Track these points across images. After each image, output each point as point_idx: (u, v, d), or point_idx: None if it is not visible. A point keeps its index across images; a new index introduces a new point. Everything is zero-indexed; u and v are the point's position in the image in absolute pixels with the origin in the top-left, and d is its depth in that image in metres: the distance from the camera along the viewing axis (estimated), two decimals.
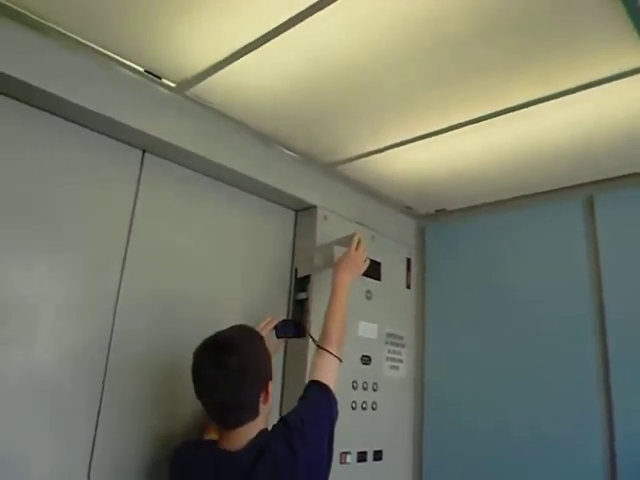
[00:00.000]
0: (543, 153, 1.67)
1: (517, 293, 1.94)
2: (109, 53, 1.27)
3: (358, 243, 1.64)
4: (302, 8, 1.07)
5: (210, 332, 1.21)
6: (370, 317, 1.98)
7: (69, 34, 1.20)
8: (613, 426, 1.61)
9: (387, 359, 2.05)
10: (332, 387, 1.31)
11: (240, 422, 1.15)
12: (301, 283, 1.84)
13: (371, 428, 1.91)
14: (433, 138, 1.61)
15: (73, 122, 1.35)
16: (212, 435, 1.32)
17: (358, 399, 1.87)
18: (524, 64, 1.23)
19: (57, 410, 1.24)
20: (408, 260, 2.27)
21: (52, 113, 1.31)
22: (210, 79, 1.35)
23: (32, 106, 1.28)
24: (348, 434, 1.71)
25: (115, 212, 1.42)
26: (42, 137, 1.30)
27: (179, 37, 1.20)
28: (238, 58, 1.25)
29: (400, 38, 1.16)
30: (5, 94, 1.23)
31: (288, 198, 1.85)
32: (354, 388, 1.86)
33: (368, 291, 1.99)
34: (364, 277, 1.89)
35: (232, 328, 1.25)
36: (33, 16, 1.14)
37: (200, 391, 1.17)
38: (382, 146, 1.69)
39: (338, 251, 1.65)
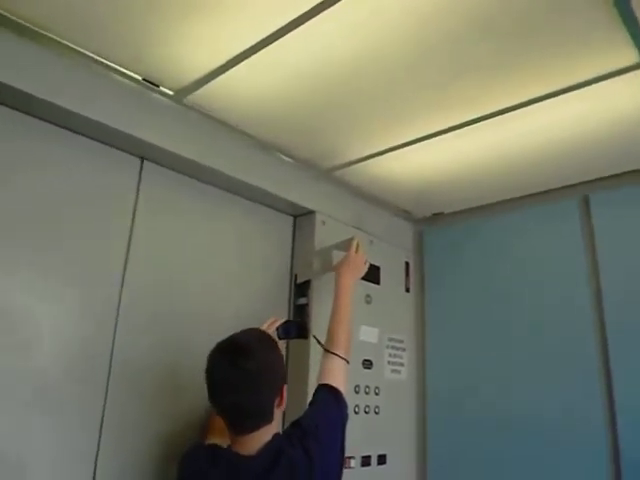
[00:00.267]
0: (538, 154, 1.69)
1: (516, 294, 1.95)
2: (107, 62, 1.28)
3: (357, 246, 1.65)
4: (298, 14, 1.09)
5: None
6: (370, 321, 1.98)
7: (66, 43, 1.21)
8: (616, 427, 1.62)
9: (388, 363, 2.05)
10: (343, 390, 1.30)
11: (256, 426, 1.13)
12: (301, 288, 1.85)
13: (374, 432, 1.91)
14: (429, 141, 1.62)
15: (70, 130, 1.36)
16: (215, 438, 1.31)
17: (361, 403, 1.86)
18: (516, 64, 1.25)
19: (61, 417, 1.23)
20: (407, 264, 2.28)
21: (49, 122, 1.31)
22: (208, 86, 1.36)
23: (29, 115, 1.28)
24: (352, 438, 1.67)
25: (114, 220, 1.42)
26: (38, 146, 1.30)
27: (176, 45, 1.21)
28: (235, 65, 1.26)
29: (395, 42, 1.17)
30: (3, 104, 1.23)
31: (286, 204, 1.86)
32: (356, 392, 1.86)
33: (368, 295, 2.00)
34: (363, 281, 1.89)
35: (247, 331, 1.22)
36: (30, 26, 1.15)
37: (215, 393, 1.14)
38: (379, 150, 1.70)
39: (337, 255, 1.66)
